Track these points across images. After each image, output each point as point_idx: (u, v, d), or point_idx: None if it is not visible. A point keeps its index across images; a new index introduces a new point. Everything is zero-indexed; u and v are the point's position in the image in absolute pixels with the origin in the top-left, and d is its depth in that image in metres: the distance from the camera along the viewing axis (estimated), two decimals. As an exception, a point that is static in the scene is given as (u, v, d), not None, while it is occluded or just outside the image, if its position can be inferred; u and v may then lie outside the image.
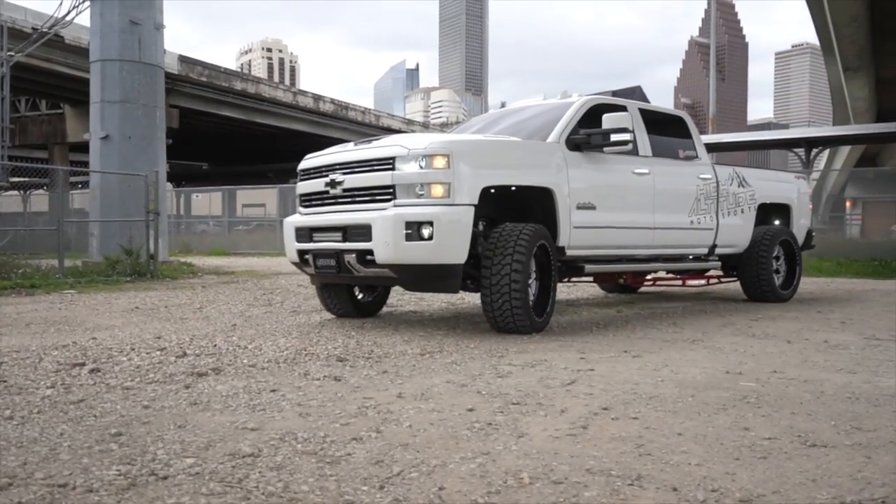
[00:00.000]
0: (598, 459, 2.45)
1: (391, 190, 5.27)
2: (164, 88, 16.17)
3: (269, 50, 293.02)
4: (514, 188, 5.66)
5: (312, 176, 5.98)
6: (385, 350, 4.78)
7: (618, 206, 6.41)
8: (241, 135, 43.51)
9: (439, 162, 5.17)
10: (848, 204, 42.07)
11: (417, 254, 5.14)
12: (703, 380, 3.80)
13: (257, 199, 39.44)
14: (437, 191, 5.14)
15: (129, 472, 2.34)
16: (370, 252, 5.27)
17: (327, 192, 5.71)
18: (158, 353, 4.71)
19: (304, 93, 42.51)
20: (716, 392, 3.50)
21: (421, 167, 5.18)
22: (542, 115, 6.72)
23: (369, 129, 45.87)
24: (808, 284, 10.99)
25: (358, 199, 5.52)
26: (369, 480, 2.24)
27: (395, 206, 5.23)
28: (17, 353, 4.67)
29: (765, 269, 8.04)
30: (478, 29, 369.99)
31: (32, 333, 5.67)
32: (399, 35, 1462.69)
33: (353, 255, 5.39)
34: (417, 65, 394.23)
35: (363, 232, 5.32)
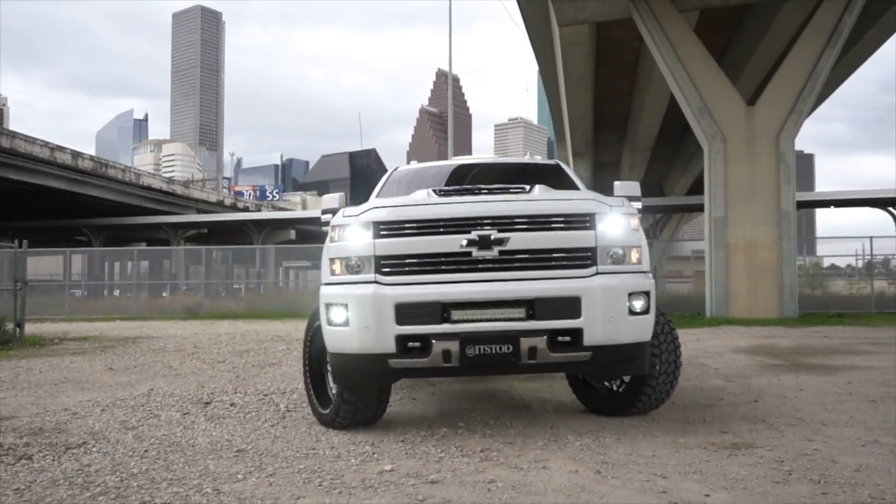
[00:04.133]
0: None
1: (589, 254, 4.33)
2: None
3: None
4: None
5: (421, 231, 4.36)
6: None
7: None
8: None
9: (635, 222, 4.54)
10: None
11: (634, 331, 4.34)
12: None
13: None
14: (635, 256, 4.44)
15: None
16: (574, 332, 4.20)
17: (469, 253, 4.27)
18: (238, 394, 6.36)
19: (62, 149, 40.40)
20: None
21: (621, 227, 4.44)
22: (530, 172, 6.41)
23: (130, 187, 44.64)
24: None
25: (529, 264, 4.31)
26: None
27: (598, 273, 4.32)
28: (128, 401, 6.06)
29: None
30: (213, 82, 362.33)
31: (81, 390, 6.81)
32: (123, 80, 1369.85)
33: (544, 338, 4.16)
34: (146, 115, 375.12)
35: (565, 307, 4.20)
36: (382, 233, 4.38)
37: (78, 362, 9.30)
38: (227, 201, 56.21)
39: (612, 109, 31.69)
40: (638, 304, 4.35)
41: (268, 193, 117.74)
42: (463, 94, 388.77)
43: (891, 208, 30.92)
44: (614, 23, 20.95)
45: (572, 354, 4.24)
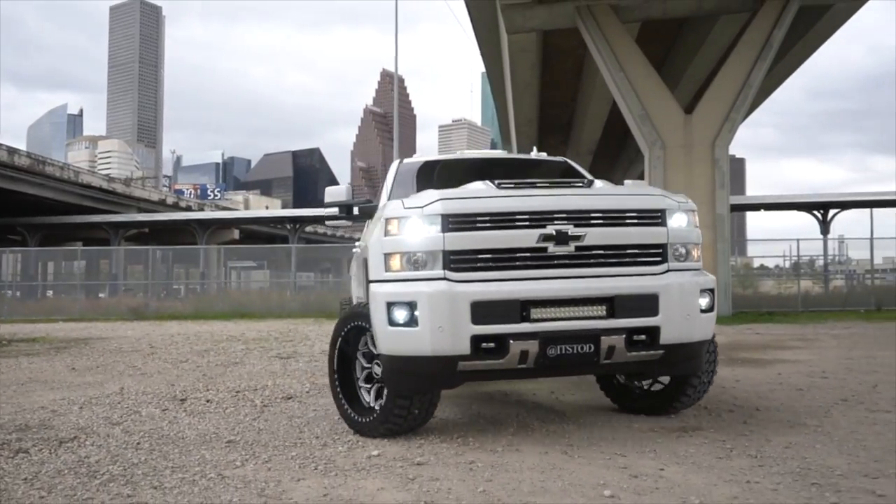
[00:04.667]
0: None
1: (661, 250, 4.30)
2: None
3: None
4: None
5: (494, 225, 4.14)
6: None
7: None
8: None
9: (696, 220, 4.52)
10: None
11: (704, 329, 4.36)
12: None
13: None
14: (696, 253, 4.44)
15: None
16: (651, 330, 4.15)
17: (544, 248, 4.13)
18: (210, 392, 6.58)
19: (-4, 145, 39.26)
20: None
21: (686, 224, 4.41)
22: (544, 168, 6.36)
23: (68, 185, 43.61)
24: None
25: (604, 260, 4.21)
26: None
27: (670, 270, 4.29)
28: (102, 399, 6.23)
29: None
30: (152, 77, 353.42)
31: (51, 390, 6.91)
32: (57, 74, 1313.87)
33: (623, 336, 4.09)
34: (81, 110, 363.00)
35: (644, 305, 4.14)
36: (451, 226, 4.10)
37: (37, 363, 9.31)
38: (170, 200, 55.26)
39: (556, 114, 32.51)
40: (705, 302, 4.33)
41: (209, 192, 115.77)
42: (407, 95, 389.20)
43: (816, 212, 32.54)
44: (560, 31, 21.60)
45: (646, 353, 4.19)
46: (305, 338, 13.20)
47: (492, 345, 3.98)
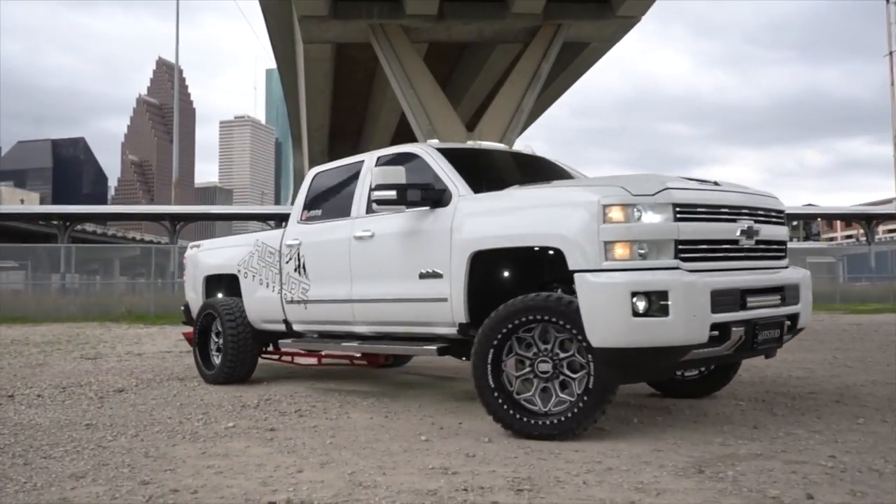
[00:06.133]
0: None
1: (784, 246, 4.95)
2: None
3: None
4: None
5: (710, 217, 4.33)
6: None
7: None
8: None
9: None
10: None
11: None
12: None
13: None
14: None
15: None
16: (795, 317, 4.76)
17: (737, 241, 4.42)
18: (34, 389, 6.81)
19: None
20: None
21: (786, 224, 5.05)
22: (536, 164, 6.41)
23: None
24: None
25: (766, 253, 4.72)
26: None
27: (789, 264, 4.99)
28: (-72, 399, 6.27)
29: None
30: None
31: None
32: None
33: (788, 322, 4.66)
34: None
35: (794, 294, 4.78)
36: (679, 216, 4.15)
37: None
38: None
39: (347, 122, 33.68)
40: None
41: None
42: (187, 87, 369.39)
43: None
44: (354, 44, 22.78)
45: (787, 337, 4.75)
46: (100, 340, 13.09)
47: (716, 332, 4.10)
